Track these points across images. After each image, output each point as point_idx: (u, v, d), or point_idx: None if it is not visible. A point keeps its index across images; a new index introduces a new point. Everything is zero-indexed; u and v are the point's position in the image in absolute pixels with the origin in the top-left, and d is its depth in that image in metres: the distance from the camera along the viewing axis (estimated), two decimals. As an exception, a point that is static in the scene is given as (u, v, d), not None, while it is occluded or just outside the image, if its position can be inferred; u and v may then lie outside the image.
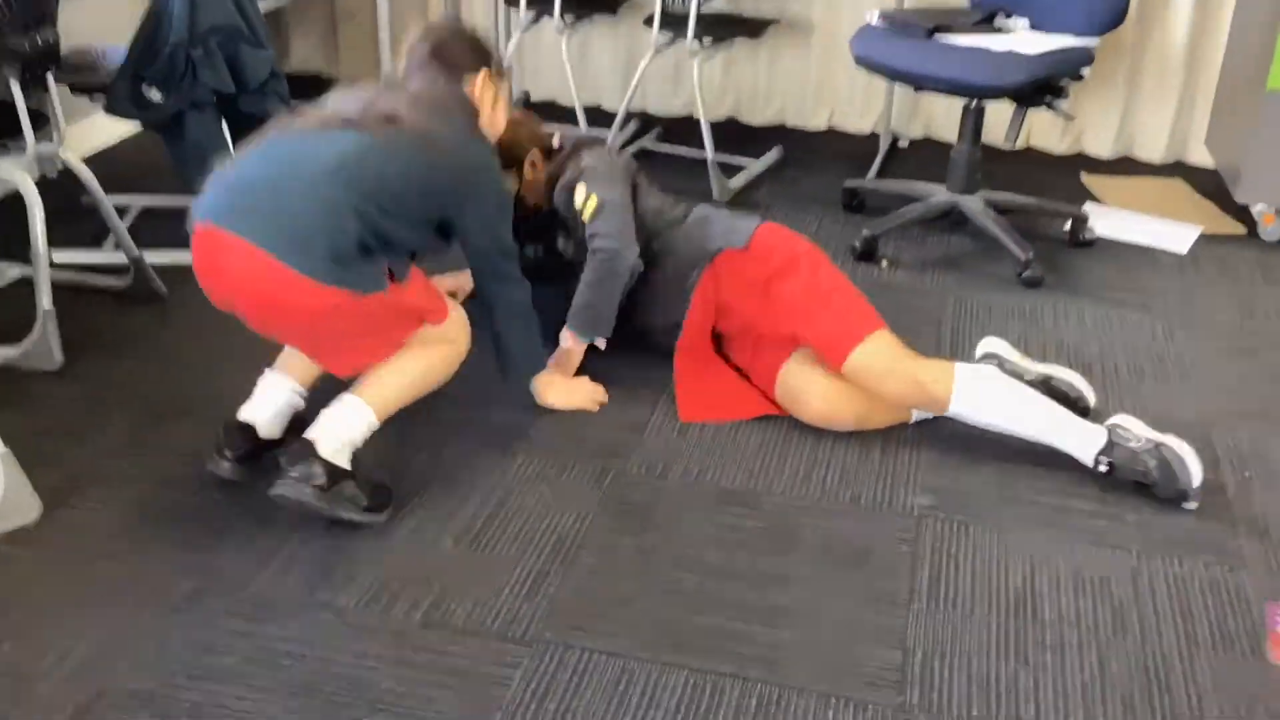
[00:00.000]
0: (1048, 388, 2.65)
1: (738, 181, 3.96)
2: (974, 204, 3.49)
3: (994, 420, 2.54)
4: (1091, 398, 2.65)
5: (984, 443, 2.59)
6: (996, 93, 3.19)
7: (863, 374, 2.54)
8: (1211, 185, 4.07)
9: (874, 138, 4.41)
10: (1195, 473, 2.38)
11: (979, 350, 2.78)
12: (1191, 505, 2.39)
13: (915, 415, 2.63)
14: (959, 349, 2.99)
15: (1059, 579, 2.21)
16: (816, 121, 4.50)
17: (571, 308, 2.73)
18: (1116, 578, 2.21)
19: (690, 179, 3.95)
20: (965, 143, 3.46)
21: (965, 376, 2.52)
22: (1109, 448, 2.45)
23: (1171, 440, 2.41)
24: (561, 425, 2.63)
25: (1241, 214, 3.79)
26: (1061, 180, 4.12)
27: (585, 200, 2.71)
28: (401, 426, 2.55)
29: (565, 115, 4.39)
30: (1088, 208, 3.84)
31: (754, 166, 4.08)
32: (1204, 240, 3.67)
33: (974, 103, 3.40)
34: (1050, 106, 3.32)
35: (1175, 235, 3.67)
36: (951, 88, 3.20)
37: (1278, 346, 3.06)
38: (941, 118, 4.43)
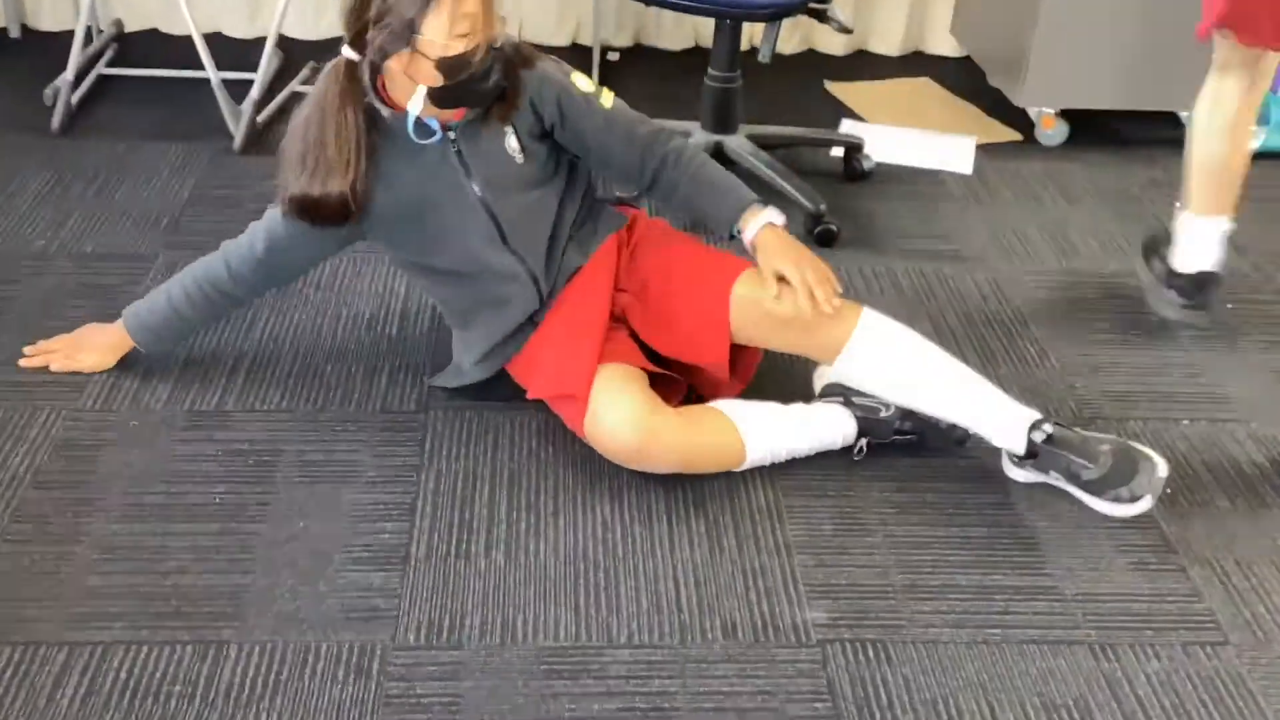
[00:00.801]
0: (911, 418, 2.04)
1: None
2: (740, 145, 2.82)
3: (897, 375, 1.98)
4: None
5: (856, 496, 1.97)
6: (780, 10, 2.49)
7: (758, 290, 1.98)
8: (960, 78, 3.59)
9: (579, 50, 3.63)
10: (1161, 466, 1.95)
11: (817, 383, 2.13)
12: (1145, 506, 1.94)
13: (750, 454, 1.97)
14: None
15: (1029, 717, 1.63)
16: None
17: (732, 190, 2.03)
18: (1095, 700, 1.66)
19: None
20: (722, 70, 2.76)
21: (872, 312, 2.00)
22: (1043, 423, 1.95)
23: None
24: (276, 578, 1.78)
25: (1008, 113, 3.32)
26: (803, 90, 3.50)
27: (599, 88, 2.02)
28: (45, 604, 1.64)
29: (178, 46, 3.33)
30: (851, 128, 3.26)
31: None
32: (982, 153, 3.17)
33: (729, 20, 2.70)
34: (825, 18, 2.66)
35: (953, 152, 3.15)
36: (722, 6, 2.47)
37: (1123, 291, 2.60)
38: (655, 22, 3.70)
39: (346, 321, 2.34)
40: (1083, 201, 2.97)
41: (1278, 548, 1.92)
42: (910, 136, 3.21)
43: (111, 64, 3.36)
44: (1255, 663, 1.71)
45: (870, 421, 2.04)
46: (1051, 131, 3.21)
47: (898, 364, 1.99)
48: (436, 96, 1.83)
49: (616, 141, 2.01)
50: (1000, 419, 1.97)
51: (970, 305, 2.52)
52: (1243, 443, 2.16)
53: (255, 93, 3.04)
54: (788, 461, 2.02)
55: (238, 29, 3.60)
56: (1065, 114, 3.22)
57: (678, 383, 2.07)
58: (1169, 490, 2.02)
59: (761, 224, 1.99)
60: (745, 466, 1.99)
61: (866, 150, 3.00)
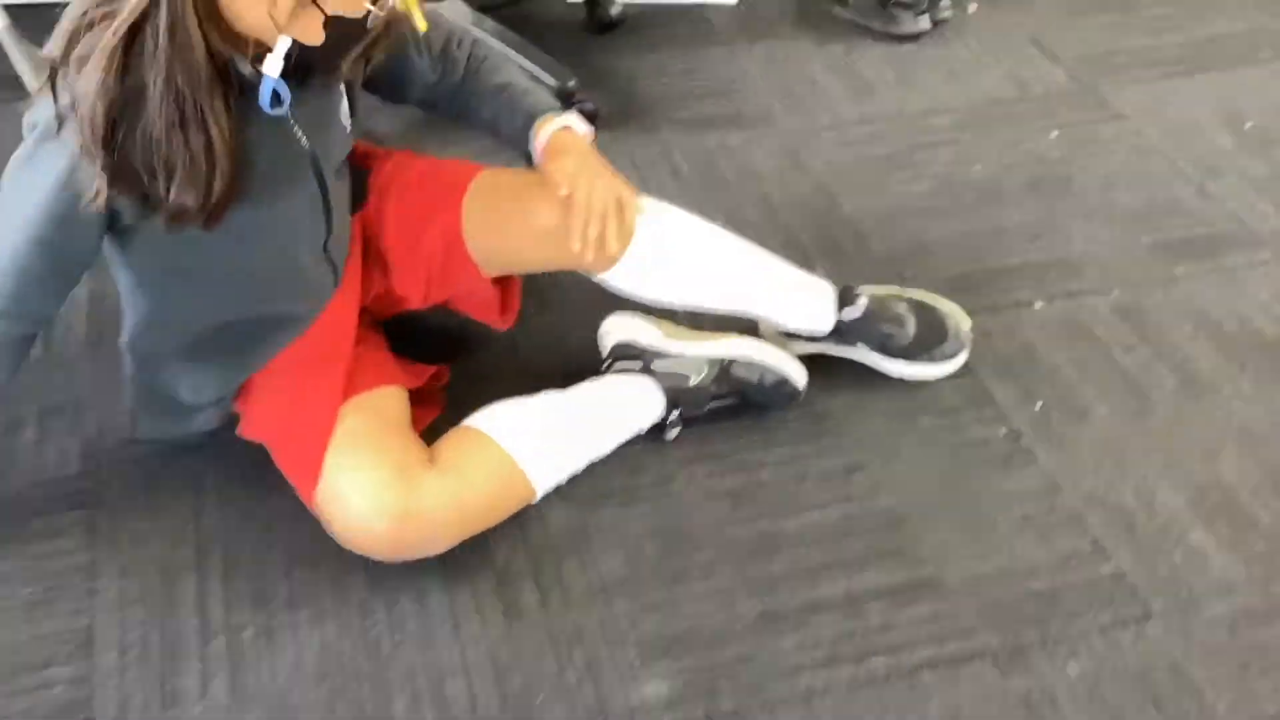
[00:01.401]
0: (728, 380, 1.62)
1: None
2: (456, 11, 2.24)
3: (679, 275, 1.59)
4: (801, 378, 1.65)
5: (677, 493, 1.55)
6: None
7: (499, 187, 1.55)
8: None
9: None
10: (958, 311, 1.73)
11: (603, 340, 1.67)
12: (962, 359, 1.71)
13: (540, 487, 1.49)
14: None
15: (944, 784, 1.29)
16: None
17: (524, 96, 1.54)
18: (1017, 735, 1.32)
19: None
20: (417, -81, 2.16)
21: (651, 204, 1.57)
22: (855, 296, 1.67)
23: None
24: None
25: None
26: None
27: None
28: None
29: None
30: (586, -40, 2.70)
31: None
32: (743, -27, 2.68)
33: None
34: None
35: (711, -23, 2.65)
36: None
37: (935, 135, 2.19)
38: None
39: (-31, 349, 1.74)
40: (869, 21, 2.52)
41: (1176, 460, 1.60)
42: (658, -36, 2.68)
43: None
44: (1188, 638, 1.40)
45: (679, 391, 1.61)
46: (818, -64, 2.73)
47: (679, 262, 1.59)
48: (297, 56, 1.23)
49: (423, 70, 1.53)
50: (802, 300, 1.66)
51: (767, 184, 2.08)
52: (1108, 321, 1.82)
53: None
54: (586, 459, 1.58)
55: None
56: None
57: (438, 372, 1.61)
58: (1039, 407, 1.68)
59: (554, 129, 1.50)
60: (539, 500, 1.52)
61: (610, -7, 2.47)
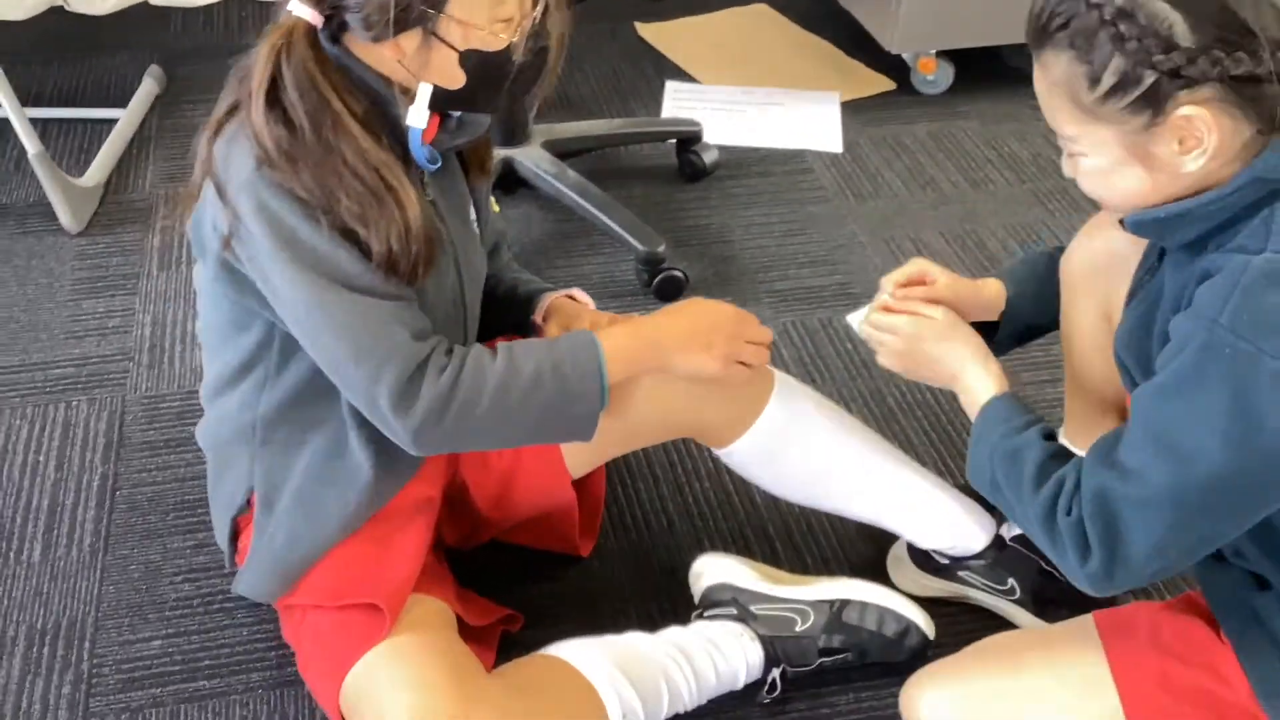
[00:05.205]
0: (840, 628, 1.36)
1: (100, 169, 2.19)
2: (535, 159, 2.03)
3: (813, 461, 1.39)
4: (929, 627, 1.38)
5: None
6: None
7: None
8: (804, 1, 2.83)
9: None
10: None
11: (694, 584, 1.43)
12: None
13: None
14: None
15: None
16: None
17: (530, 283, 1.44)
18: None
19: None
20: (499, 59, 1.96)
21: (786, 378, 1.40)
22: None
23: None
24: None
25: (871, 47, 2.56)
26: (610, 41, 2.70)
27: None
28: None
29: None
30: (677, 96, 2.48)
31: (128, 116, 2.31)
32: (850, 114, 2.45)
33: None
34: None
35: (815, 120, 2.42)
36: None
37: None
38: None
39: (-39, 544, 1.52)
40: (988, 179, 2.28)
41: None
42: (757, 101, 2.46)
43: None
44: None
45: (783, 642, 1.35)
46: (933, 77, 2.50)
47: (808, 447, 1.39)
48: (448, 99, 1.15)
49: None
50: (951, 511, 1.42)
51: (876, 374, 1.82)
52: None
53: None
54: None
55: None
56: (947, 50, 2.51)
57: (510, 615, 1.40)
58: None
59: (556, 295, 1.40)
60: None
61: (705, 138, 2.24)
